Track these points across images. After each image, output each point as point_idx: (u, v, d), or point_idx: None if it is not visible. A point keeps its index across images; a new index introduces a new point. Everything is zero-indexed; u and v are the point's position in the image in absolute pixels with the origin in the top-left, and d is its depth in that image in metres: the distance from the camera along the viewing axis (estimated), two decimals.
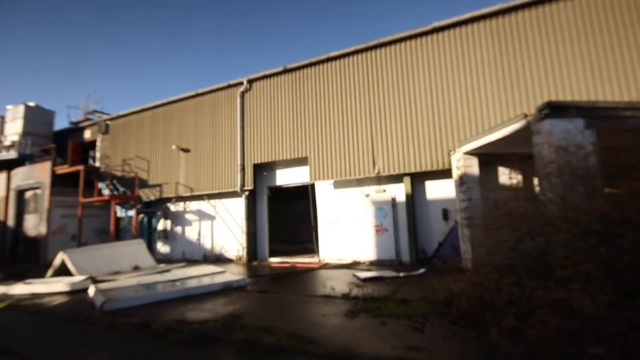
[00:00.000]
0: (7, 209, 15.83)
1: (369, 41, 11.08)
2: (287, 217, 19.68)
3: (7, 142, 16.79)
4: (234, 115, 13.46)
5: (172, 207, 15.24)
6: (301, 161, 12.48)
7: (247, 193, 13.00)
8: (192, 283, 7.69)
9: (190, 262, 13.70)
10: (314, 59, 11.96)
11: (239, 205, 13.58)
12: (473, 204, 8.54)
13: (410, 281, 7.72)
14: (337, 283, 7.90)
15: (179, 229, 15.10)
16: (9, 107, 17.36)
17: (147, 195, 15.13)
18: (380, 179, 11.29)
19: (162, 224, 15.33)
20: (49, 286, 8.19)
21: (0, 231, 15.89)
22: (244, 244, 12.89)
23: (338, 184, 11.94)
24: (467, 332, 4.40)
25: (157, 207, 15.49)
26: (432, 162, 9.99)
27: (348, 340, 4.24)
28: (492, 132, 7.48)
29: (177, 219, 15.14)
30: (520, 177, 9.20)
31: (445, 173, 10.16)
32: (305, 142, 11.96)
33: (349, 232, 11.55)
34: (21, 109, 16.86)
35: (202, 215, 14.57)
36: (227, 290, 7.58)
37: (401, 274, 8.31)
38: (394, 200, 10.99)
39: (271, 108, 12.77)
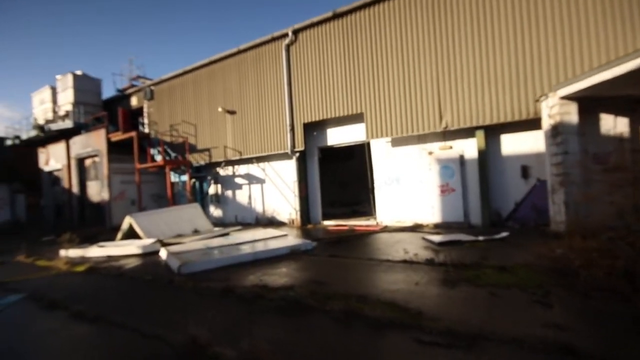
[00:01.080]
0: (70, 177, 16.70)
1: None
2: (333, 179, 19.18)
3: (61, 112, 17.34)
4: (280, 71, 12.60)
5: (222, 172, 15.22)
6: (355, 118, 11.57)
7: (297, 154, 12.48)
8: (259, 247, 7.47)
9: (243, 225, 13.83)
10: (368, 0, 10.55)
11: (289, 167, 13.17)
12: (570, 158, 7.34)
13: (494, 245, 6.96)
14: (410, 247, 7.32)
15: (229, 192, 15.15)
16: (58, 77, 17.70)
17: (197, 160, 15.15)
18: (445, 135, 10.19)
19: (213, 188, 15.46)
20: (123, 249, 8.41)
21: (67, 198, 16.95)
22: (297, 206, 12.62)
23: (397, 142, 11.00)
24: (609, 306, 3.65)
25: (207, 171, 15.55)
26: (512, 112, 8.69)
27: (462, 314, 3.68)
28: (608, 68, 6.09)
29: (228, 183, 15.14)
30: (627, 124, 7.78)
31: (526, 124, 8.86)
32: (360, 97, 10.96)
33: (410, 193, 10.79)
34: (70, 78, 17.11)
35: (251, 178, 14.42)
36: (294, 254, 7.31)
37: (480, 238, 7.54)
38: (462, 157, 9.93)
39: (320, 61, 11.72)
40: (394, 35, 10.31)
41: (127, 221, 10.11)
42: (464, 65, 9.27)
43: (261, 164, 13.98)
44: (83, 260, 8.14)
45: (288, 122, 12.34)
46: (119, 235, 10.32)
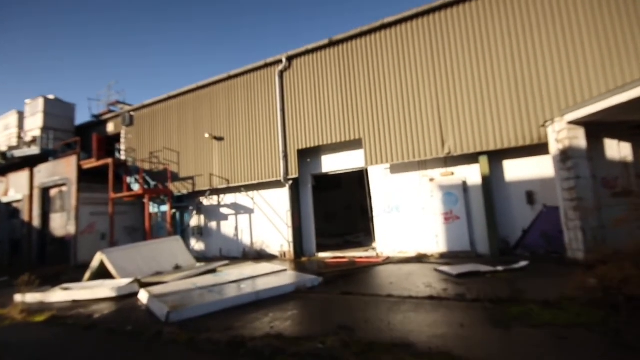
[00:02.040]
0: (31, 209, 14.97)
1: (433, 1, 9.64)
2: (320, 209, 18.48)
3: (27, 138, 15.89)
4: (273, 98, 12.20)
5: (205, 201, 14.17)
6: (352, 144, 11.20)
7: (290, 182, 11.80)
8: (259, 284, 6.52)
9: (229, 259, 12.63)
10: (365, 28, 10.57)
11: (280, 196, 12.41)
12: (582, 182, 7.16)
13: (518, 277, 6.43)
14: (425, 280, 6.67)
15: (213, 224, 14.03)
16: (27, 101, 16.42)
17: (178, 189, 14.07)
18: (446, 161, 9.95)
19: (195, 220, 14.29)
20: (92, 292, 7.14)
21: (26, 232, 15.07)
22: (290, 238, 11.73)
23: (395, 168, 10.63)
24: None
25: (189, 201, 14.44)
26: (516, 137, 8.59)
27: None
28: (619, 93, 6.06)
29: (211, 213, 14.06)
30: (630, 149, 7.81)
31: (529, 150, 8.79)
32: (358, 123, 10.65)
33: (412, 222, 10.28)
34: (40, 102, 15.89)
35: (238, 208, 13.46)
36: (299, 291, 6.42)
37: (499, 268, 7.02)
38: (464, 183, 9.65)
39: (315, 87, 11.46)
40: (392, 62, 10.28)
41: (98, 258, 8.82)
42: (466, 90, 9.24)
43: (250, 193, 13.13)
44: (43, 306, 6.79)
45: (281, 149, 11.76)
46: (87, 274, 8.95)
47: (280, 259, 12.00)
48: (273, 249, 12.48)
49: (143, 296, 6.54)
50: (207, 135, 13.27)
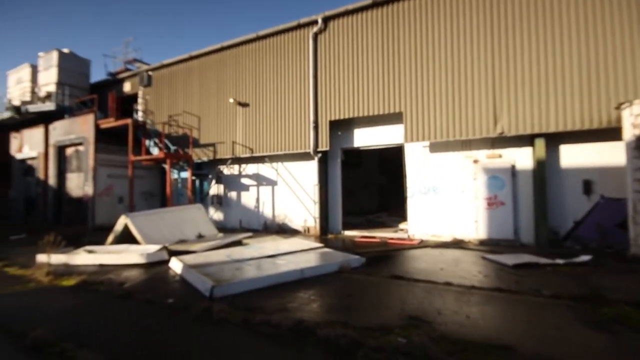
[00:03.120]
0: (47, 167, 14.56)
1: None
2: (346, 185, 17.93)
3: (41, 94, 15.22)
4: (305, 63, 11.30)
5: (226, 170, 13.62)
6: (388, 118, 10.41)
7: (319, 155, 11.14)
8: (300, 261, 6.03)
9: (250, 231, 12.26)
10: None
11: (306, 168, 11.80)
12: None
13: (584, 272, 5.85)
14: (479, 269, 6.14)
15: (233, 194, 13.55)
16: (41, 54, 15.61)
17: (198, 155, 13.49)
18: (494, 142, 9.18)
19: (214, 189, 13.81)
20: (120, 257, 6.73)
21: (41, 190, 14.75)
22: (316, 213, 11.22)
23: (436, 147, 9.89)
24: None
25: (208, 169, 13.91)
26: (582, 119, 7.76)
27: None
28: None
29: (232, 183, 13.55)
30: None
31: (590, 135, 7.99)
32: (398, 95, 9.81)
33: (449, 204, 9.66)
34: (55, 55, 15.08)
35: (261, 179, 12.91)
36: (343, 272, 5.93)
37: (559, 261, 6.44)
38: (513, 167, 8.92)
39: (353, 52, 10.53)
40: (443, 28, 9.28)
41: (122, 221, 8.39)
42: (527, 64, 8.31)
43: (274, 164, 12.52)
44: (68, 269, 6.40)
45: (312, 119, 11.01)
46: (110, 237, 8.56)
47: (303, 234, 11.56)
48: (296, 224, 12.03)
49: (176, 265, 6.10)
50: (231, 100, 12.50)
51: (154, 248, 7.13)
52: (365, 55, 10.32)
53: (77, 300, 4.58)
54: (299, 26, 11.37)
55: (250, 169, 13.18)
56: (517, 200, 8.85)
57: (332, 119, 10.83)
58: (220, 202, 13.66)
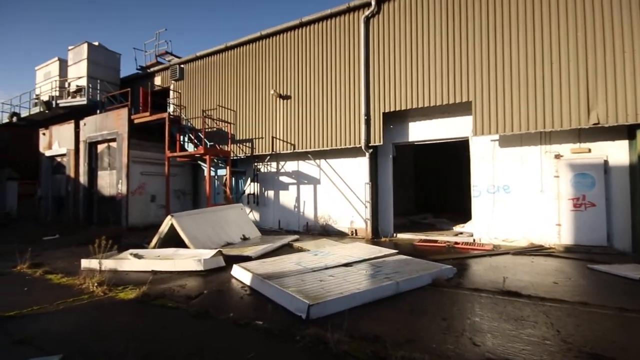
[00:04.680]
0: (77, 164, 14.07)
1: None
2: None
3: (71, 88, 14.76)
4: (356, 49, 10.38)
5: (263, 167, 12.83)
6: (449, 109, 9.41)
7: (370, 151, 10.20)
8: (386, 271, 5.11)
9: (289, 232, 11.46)
10: None
11: (353, 165, 10.90)
12: None
13: None
14: (595, 283, 5.12)
15: (271, 193, 12.75)
16: (70, 47, 15.16)
17: (234, 152, 12.73)
18: (580, 134, 8.07)
19: (251, 187, 13.03)
20: (174, 263, 5.94)
21: (71, 189, 14.28)
22: (367, 214, 10.29)
23: (508, 140, 8.83)
24: None
25: (244, 166, 13.15)
26: None
27: None
28: None
29: (269, 181, 12.75)
30: None
31: None
32: (466, 83, 8.78)
33: (524, 205, 8.59)
34: (84, 48, 14.59)
35: (301, 177, 12.06)
36: (439, 284, 4.99)
37: None
38: (606, 163, 7.79)
39: (411, 36, 9.54)
40: (522, 4, 8.20)
41: (167, 222, 7.64)
42: (628, 42, 7.15)
43: (317, 161, 11.65)
44: (118, 276, 5.65)
45: (363, 111, 10.07)
46: (155, 240, 7.83)
47: (350, 236, 10.66)
48: (341, 225, 11.13)
49: (241, 274, 5.28)
50: (272, 92, 11.67)
51: (208, 253, 6.33)
52: (426, 39, 9.32)
53: (147, 320, 3.77)
54: (349, 10, 10.44)
55: (289, 166, 12.36)
56: (610, 201, 7.71)
57: (386, 111, 9.87)
58: (256, 201, 12.88)
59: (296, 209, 12.15)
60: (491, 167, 9.06)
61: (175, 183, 13.92)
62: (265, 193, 12.86)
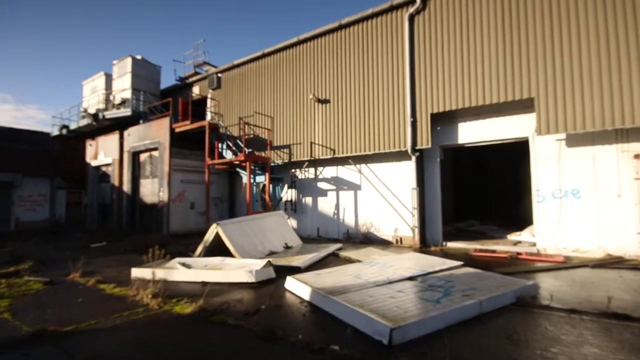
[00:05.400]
0: (121, 173, 14.50)
1: None
2: None
3: (116, 100, 15.32)
4: (399, 49, 9.91)
5: (300, 174, 12.56)
6: (505, 108, 8.68)
7: (417, 154, 9.63)
8: (462, 288, 4.54)
9: (328, 240, 11.04)
10: None
11: (397, 170, 10.35)
12: None
13: None
14: None
15: (309, 199, 12.42)
16: (115, 61, 15.81)
17: (272, 158, 12.56)
18: None
19: (288, 194, 12.78)
20: (225, 274, 5.69)
21: (116, 197, 14.72)
22: (414, 222, 9.66)
23: (576, 139, 7.96)
24: None
25: (281, 173, 12.94)
26: None
27: None
28: None
29: (307, 187, 12.44)
30: None
31: None
32: (527, 77, 8.04)
33: (597, 212, 7.66)
34: (129, 62, 15.14)
35: (340, 183, 11.65)
36: (524, 304, 4.34)
37: None
38: None
39: (462, 32, 8.94)
40: None
41: (213, 231, 7.47)
42: None
43: (357, 166, 11.21)
44: (168, 286, 5.45)
45: (409, 113, 9.55)
46: (200, 248, 7.68)
47: (395, 245, 10.08)
48: (384, 233, 10.57)
49: (297, 288, 4.90)
50: (310, 97, 11.42)
51: (258, 264, 6.03)
52: (479, 33, 8.69)
53: (211, 341, 3.45)
54: (392, 8, 10.02)
55: (328, 172, 11.99)
56: None
57: (434, 111, 9.29)
58: (294, 208, 12.59)
59: (335, 216, 11.73)
60: (557, 170, 8.20)
61: (212, 190, 13.96)
62: (303, 200, 12.55)
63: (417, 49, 9.60)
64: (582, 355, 3.00)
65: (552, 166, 8.26)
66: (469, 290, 4.40)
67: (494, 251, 8.40)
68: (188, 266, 6.37)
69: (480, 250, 8.53)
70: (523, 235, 9.91)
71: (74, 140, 18.05)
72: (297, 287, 4.92)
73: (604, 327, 3.61)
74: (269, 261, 6.07)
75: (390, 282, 4.84)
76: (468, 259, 7.69)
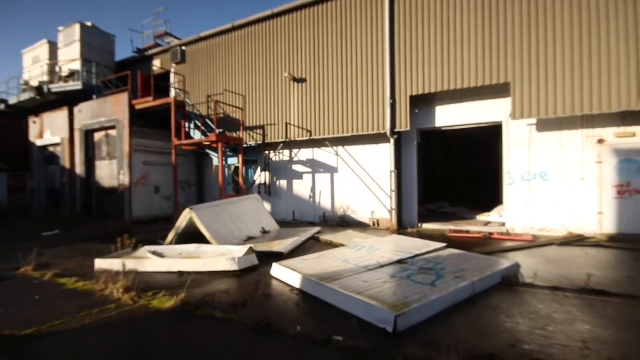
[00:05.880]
0: (73, 154, 13.10)
1: None
2: None
3: (63, 72, 13.64)
4: (380, 27, 9.63)
5: (274, 156, 12.11)
6: (481, 92, 8.82)
7: (395, 137, 9.58)
8: (451, 269, 4.56)
9: (303, 224, 10.88)
10: None
11: (375, 153, 10.30)
12: None
13: None
14: None
15: (283, 182, 12.07)
16: (60, 28, 13.96)
17: (245, 139, 11.95)
18: (625, 117, 7.58)
19: (261, 177, 12.32)
20: (204, 263, 5.28)
21: (67, 180, 13.33)
22: (392, 204, 9.72)
23: (546, 125, 8.31)
24: None
25: (254, 155, 12.40)
26: None
27: None
28: None
29: (282, 170, 12.06)
30: None
31: None
32: (504, 62, 8.16)
33: (562, 194, 8.15)
34: (77, 29, 13.44)
35: (317, 166, 11.40)
36: (510, 283, 4.47)
37: None
38: None
39: (443, 11, 8.83)
40: None
41: (186, 216, 6.94)
42: None
43: (334, 148, 10.99)
44: (139, 278, 4.94)
45: (388, 95, 9.41)
46: (171, 235, 7.14)
47: (372, 227, 10.13)
48: (361, 216, 10.58)
49: (286, 276, 4.66)
50: (286, 75, 10.87)
51: (239, 250, 5.69)
52: (459, 16, 8.63)
53: (200, 339, 3.12)
54: None
55: (304, 154, 11.67)
56: None
57: (414, 94, 9.23)
58: (268, 191, 12.20)
59: (311, 199, 11.52)
60: (527, 154, 8.55)
61: (180, 173, 13.05)
62: (278, 183, 12.18)
63: (398, 29, 9.39)
64: (578, 332, 3.09)
65: (523, 150, 8.60)
66: (459, 272, 4.42)
67: (467, 232, 8.70)
68: (160, 255, 5.87)
69: (455, 231, 8.80)
70: (492, 216, 10.39)
71: (14, 117, 15.96)
72: (285, 274, 4.68)
73: (588, 304, 3.78)
74: (250, 247, 5.75)
75: (382, 266, 4.76)
76: (445, 240, 7.81)
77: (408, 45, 9.25)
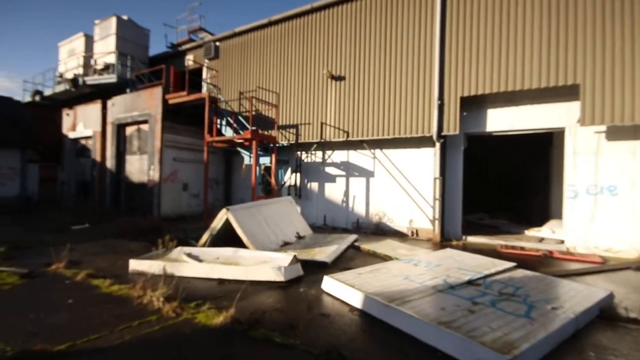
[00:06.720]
0: (104, 148, 13.05)
1: None
2: None
3: (98, 65, 13.67)
4: (429, 22, 8.99)
5: (306, 157, 11.62)
6: (541, 95, 8.02)
7: (442, 141, 8.89)
8: (539, 298, 3.87)
9: (335, 229, 10.33)
10: None
11: (416, 157, 9.64)
12: None
13: None
14: None
15: (314, 185, 11.55)
16: (97, 21, 14.04)
17: (277, 138, 11.51)
18: None
19: (292, 178, 11.85)
20: (246, 271, 4.79)
21: (97, 174, 13.30)
22: (434, 213, 9.02)
23: (617, 132, 7.42)
24: None
25: (285, 155, 11.95)
26: None
27: None
28: None
29: (313, 171, 11.54)
30: None
31: None
32: (573, 61, 7.35)
33: (633, 210, 7.23)
34: (113, 22, 13.45)
35: (351, 169, 10.82)
36: (608, 316, 3.74)
37: None
38: None
39: (501, 7, 8.11)
40: None
41: (222, 217, 6.50)
42: None
43: (372, 151, 10.38)
44: (177, 283, 4.50)
45: (436, 95, 8.74)
46: (205, 237, 6.71)
47: (410, 237, 9.44)
48: (398, 224, 9.91)
49: (341, 292, 4.10)
50: (324, 72, 10.38)
51: (283, 259, 5.17)
52: (521, 11, 7.88)
53: None
54: None
55: (337, 155, 11.11)
56: None
57: (465, 95, 8.52)
58: (298, 193, 11.70)
59: (344, 204, 10.94)
60: (593, 165, 7.68)
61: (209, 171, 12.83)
62: (309, 185, 11.67)
63: (449, 24, 8.72)
64: None
65: (589, 160, 7.73)
66: (552, 301, 3.73)
67: (522, 248, 7.88)
68: (197, 258, 5.43)
69: (507, 247, 7.99)
70: (543, 232, 9.50)
71: (48, 109, 16.20)
72: (340, 290, 4.12)
73: None
74: (295, 256, 5.22)
75: (452, 287, 4.12)
76: (497, 256, 7.06)
77: (460, 42, 8.56)
